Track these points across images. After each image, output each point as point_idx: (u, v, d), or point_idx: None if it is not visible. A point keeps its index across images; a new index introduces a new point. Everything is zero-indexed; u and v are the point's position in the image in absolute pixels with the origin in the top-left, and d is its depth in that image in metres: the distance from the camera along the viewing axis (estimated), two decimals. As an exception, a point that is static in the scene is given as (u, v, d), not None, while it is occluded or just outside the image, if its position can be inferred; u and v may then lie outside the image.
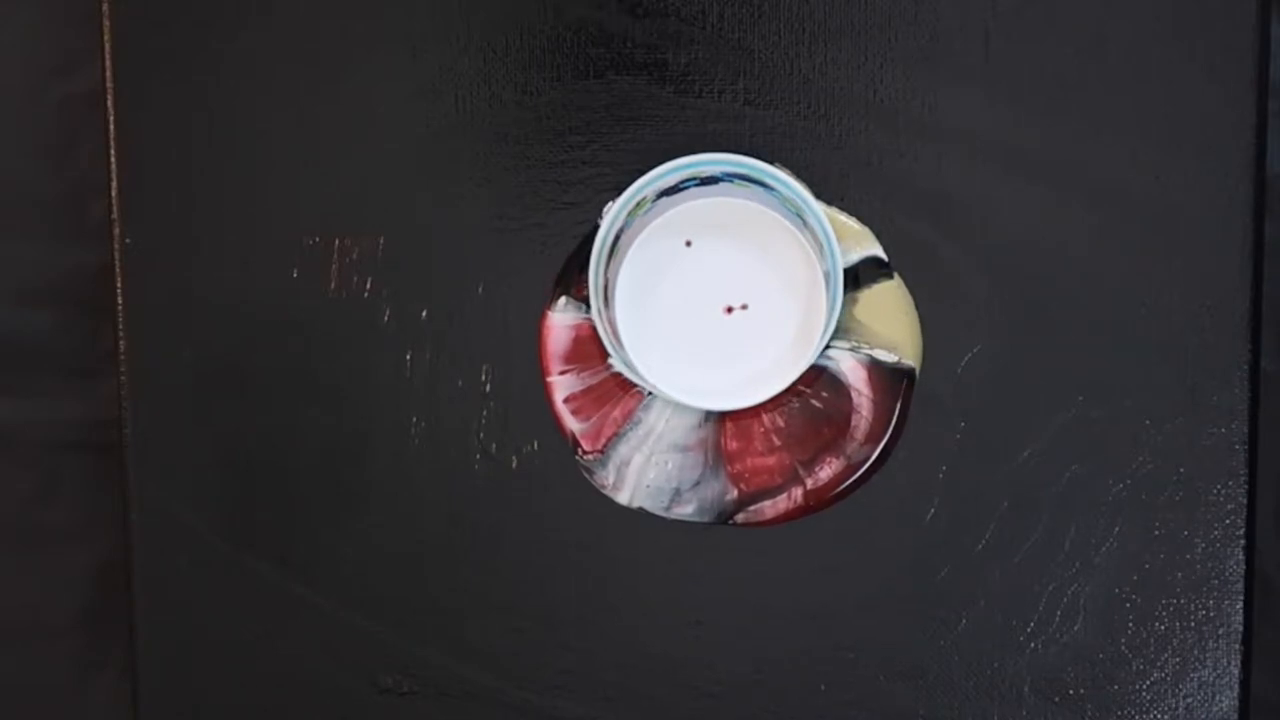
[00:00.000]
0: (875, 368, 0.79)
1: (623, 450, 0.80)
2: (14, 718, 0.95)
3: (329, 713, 0.82)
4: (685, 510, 0.80)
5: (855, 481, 0.80)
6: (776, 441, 0.80)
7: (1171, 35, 0.78)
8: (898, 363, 0.79)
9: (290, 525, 0.81)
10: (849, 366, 0.79)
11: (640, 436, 0.80)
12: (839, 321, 0.79)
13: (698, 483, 0.80)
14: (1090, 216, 0.79)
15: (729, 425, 0.80)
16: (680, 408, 0.80)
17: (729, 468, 0.80)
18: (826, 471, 0.80)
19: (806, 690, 0.81)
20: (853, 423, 0.79)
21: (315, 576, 0.81)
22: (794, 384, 0.79)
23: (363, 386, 0.80)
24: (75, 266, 0.92)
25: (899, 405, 0.79)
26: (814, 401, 0.79)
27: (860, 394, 0.79)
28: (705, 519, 0.80)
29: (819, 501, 0.80)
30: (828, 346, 0.79)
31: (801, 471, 0.80)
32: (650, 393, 0.79)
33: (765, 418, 0.79)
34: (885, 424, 0.79)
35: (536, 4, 0.79)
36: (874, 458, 0.80)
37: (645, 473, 0.80)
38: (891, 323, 0.79)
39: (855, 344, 0.79)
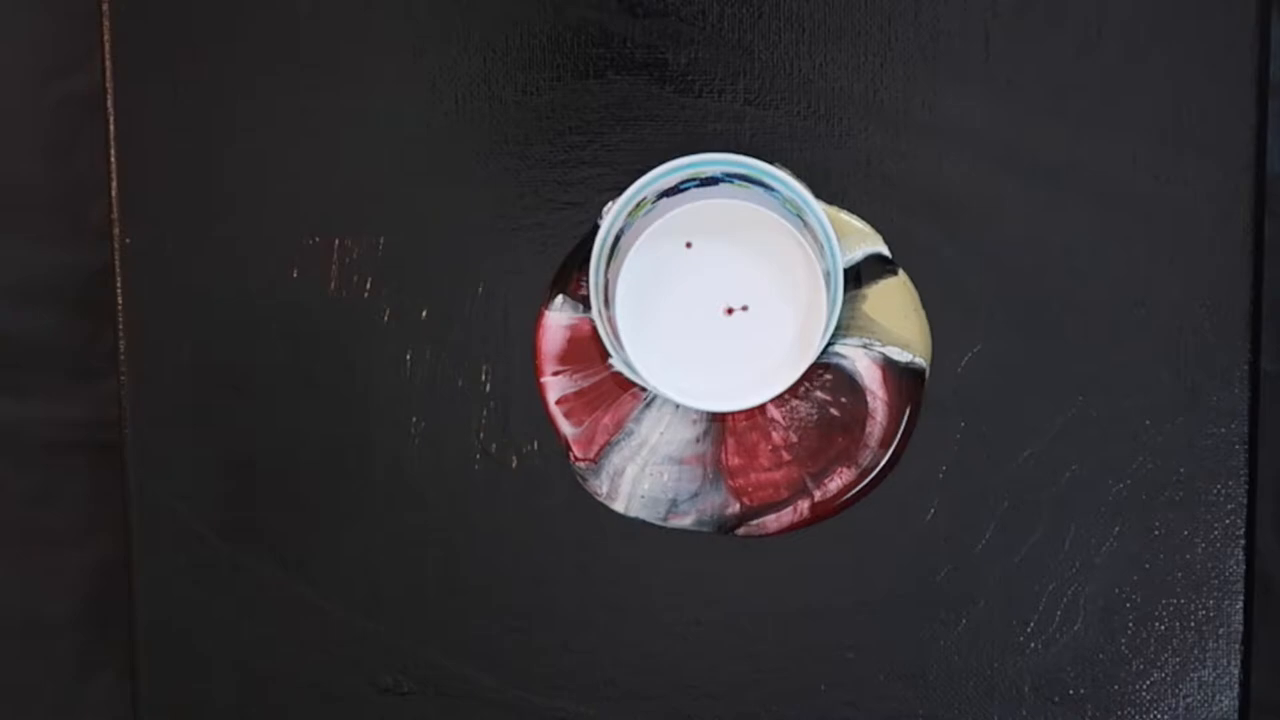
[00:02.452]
0: (890, 367, 0.79)
1: (616, 459, 0.80)
2: (14, 718, 0.95)
3: (329, 713, 0.82)
4: (684, 521, 0.80)
5: (863, 489, 0.80)
6: (786, 456, 0.79)
7: (1171, 35, 0.78)
8: (911, 362, 0.79)
9: (290, 525, 0.81)
10: (864, 366, 0.79)
11: (634, 447, 0.80)
12: (850, 319, 0.79)
13: (696, 495, 0.80)
14: (1090, 216, 0.79)
15: (730, 441, 0.80)
16: (674, 422, 0.80)
17: (730, 481, 0.80)
18: (837, 483, 0.79)
19: (806, 690, 0.81)
20: (867, 429, 0.79)
21: (315, 576, 0.81)
22: (812, 392, 0.79)
23: (363, 386, 0.80)
24: (75, 266, 0.92)
25: (910, 408, 0.79)
26: (832, 410, 0.79)
27: (875, 397, 0.79)
28: (705, 530, 0.80)
29: (826, 512, 0.80)
30: (831, 345, 0.79)
31: (810, 484, 0.79)
32: (642, 403, 0.79)
33: (776, 435, 0.79)
34: (896, 428, 0.79)
35: (536, 4, 0.79)
36: (883, 463, 0.79)
37: (640, 483, 0.80)
38: (901, 319, 0.79)
39: (867, 341, 0.79)
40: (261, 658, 0.81)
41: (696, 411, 0.80)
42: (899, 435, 0.79)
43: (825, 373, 0.79)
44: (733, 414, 0.80)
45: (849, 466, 0.79)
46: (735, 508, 0.80)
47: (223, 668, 0.81)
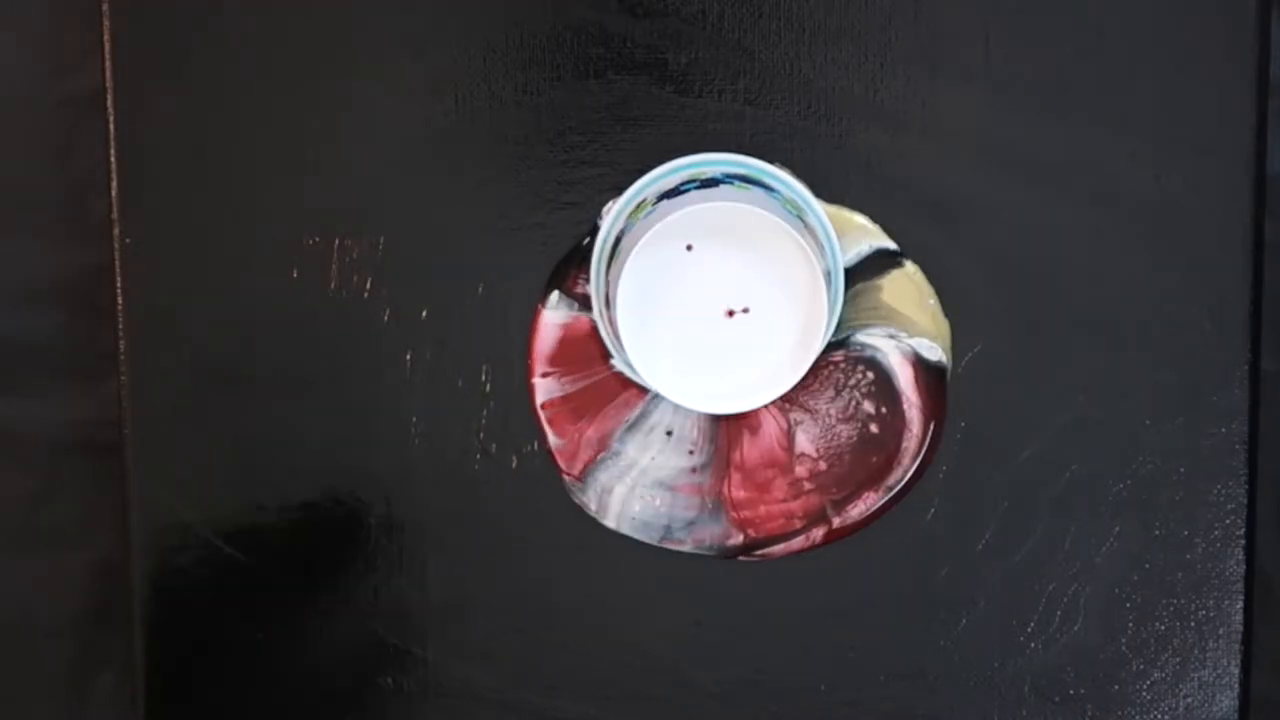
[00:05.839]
0: (919, 364, 0.79)
1: (602, 477, 0.80)
2: (14, 718, 0.95)
3: (329, 713, 0.82)
4: (681, 547, 0.80)
5: (879, 509, 0.79)
6: (808, 486, 0.79)
7: (1171, 35, 0.78)
8: (939, 361, 0.79)
9: (290, 525, 0.81)
10: (896, 362, 0.78)
11: (622, 467, 0.80)
12: (871, 308, 0.78)
13: (692, 523, 0.80)
14: (1090, 216, 0.79)
15: (735, 475, 0.79)
16: (665, 449, 0.79)
17: (733, 514, 0.79)
18: (860, 508, 0.79)
19: (806, 690, 0.81)
20: (903, 443, 0.78)
21: (316, 577, 0.81)
22: (860, 404, 0.78)
23: (363, 386, 0.80)
24: (75, 266, 0.92)
25: (935, 421, 0.79)
26: (872, 427, 0.78)
27: (910, 403, 0.78)
28: (705, 555, 0.80)
29: (839, 537, 0.79)
30: (853, 334, 0.79)
31: (831, 512, 0.79)
32: (625, 424, 0.79)
33: (800, 468, 0.79)
34: (924, 439, 0.79)
35: (536, 4, 0.79)
36: (905, 481, 0.79)
37: (629, 504, 0.80)
38: (917, 308, 0.79)
39: (893, 331, 0.79)
40: (262, 658, 0.81)
41: (693, 443, 0.79)
42: (924, 449, 0.79)
43: (868, 369, 0.79)
44: (742, 450, 0.79)
45: (875, 490, 0.79)
46: (739, 538, 0.79)
47: (223, 668, 0.81)
